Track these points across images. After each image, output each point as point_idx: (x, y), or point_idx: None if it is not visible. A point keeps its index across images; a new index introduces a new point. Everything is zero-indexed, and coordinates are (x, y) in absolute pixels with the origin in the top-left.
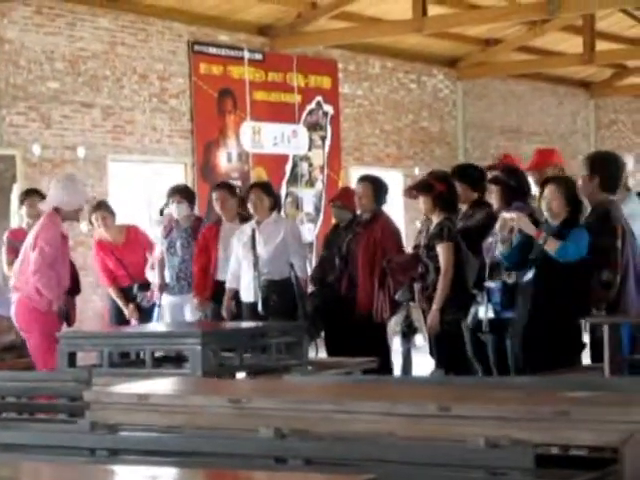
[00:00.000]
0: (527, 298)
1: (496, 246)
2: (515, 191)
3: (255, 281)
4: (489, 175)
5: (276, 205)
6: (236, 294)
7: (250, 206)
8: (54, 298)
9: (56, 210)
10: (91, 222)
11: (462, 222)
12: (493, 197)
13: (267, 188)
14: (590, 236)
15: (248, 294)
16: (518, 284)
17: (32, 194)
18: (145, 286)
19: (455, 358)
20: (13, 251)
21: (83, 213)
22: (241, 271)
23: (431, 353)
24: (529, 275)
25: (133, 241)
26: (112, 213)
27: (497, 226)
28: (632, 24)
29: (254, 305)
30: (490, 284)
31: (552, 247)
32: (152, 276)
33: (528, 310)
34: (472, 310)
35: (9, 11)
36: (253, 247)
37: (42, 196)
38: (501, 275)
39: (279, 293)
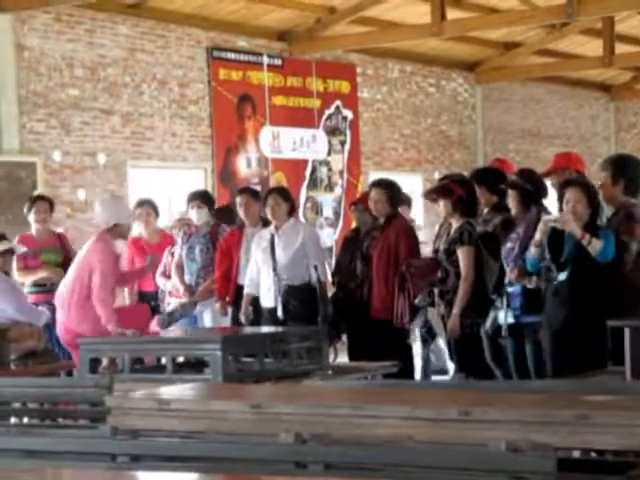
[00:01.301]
0: (559, 300)
1: (527, 250)
2: (532, 195)
3: (275, 286)
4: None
5: (294, 210)
6: (254, 299)
7: (268, 211)
8: (113, 322)
9: (108, 229)
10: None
11: (481, 226)
12: (511, 201)
13: (284, 193)
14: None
15: (268, 299)
16: (548, 286)
17: (39, 200)
18: (167, 293)
19: (475, 362)
20: (22, 258)
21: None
22: (260, 276)
23: (451, 357)
24: (562, 277)
25: (167, 245)
26: (156, 212)
27: (539, 230)
28: None
29: (274, 310)
30: (510, 289)
31: (595, 249)
32: (162, 283)
33: (566, 312)
34: (491, 315)
35: (29, 18)
36: (272, 252)
37: (49, 202)
38: (528, 279)
39: (299, 298)
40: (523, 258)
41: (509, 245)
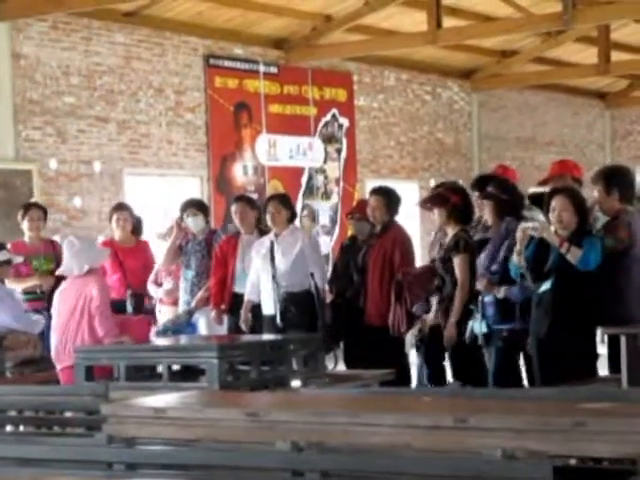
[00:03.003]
0: (543, 309)
1: (494, 261)
2: (508, 205)
3: (274, 293)
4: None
5: (294, 217)
6: (255, 306)
7: (268, 218)
8: (112, 337)
9: (82, 275)
10: (110, 221)
11: (480, 233)
12: (486, 212)
13: (285, 200)
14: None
15: (268, 307)
16: (534, 295)
17: (33, 208)
18: (138, 296)
19: (471, 370)
20: (13, 265)
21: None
22: (260, 284)
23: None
24: (546, 286)
25: (141, 250)
26: (133, 218)
27: (517, 237)
28: None
29: (274, 317)
30: (485, 298)
31: (575, 256)
32: (153, 290)
33: (549, 321)
34: (469, 324)
35: (25, 27)
36: (272, 259)
37: (42, 210)
38: (497, 289)
39: (298, 305)
40: (490, 270)
41: (482, 255)
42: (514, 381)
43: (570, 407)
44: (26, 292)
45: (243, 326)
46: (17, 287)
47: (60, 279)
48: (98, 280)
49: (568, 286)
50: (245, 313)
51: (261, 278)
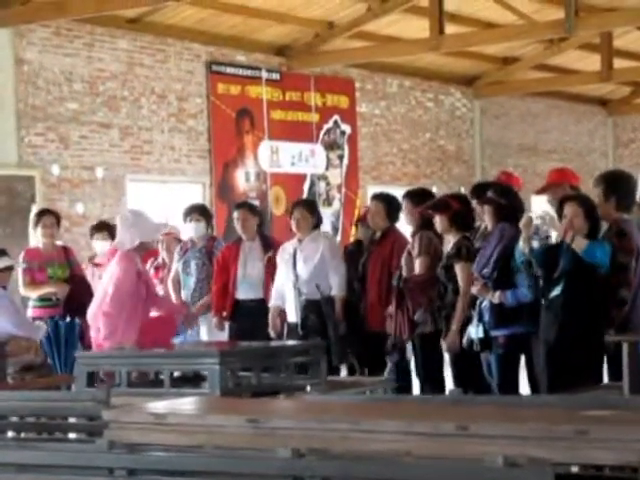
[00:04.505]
0: (553, 314)
1: (486, 267)
2: (507, 210)
3: (295, 301)
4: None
5: (320, 224)
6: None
7: (293, 224)
8: (111, 341)
9: (133, 248)
10: None
11: (480, 241)
12: (486, 217)
13: (311, 206)
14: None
15: (291, 314)
16: (544, 300)
17: (46, 214)
18: None
19: (473, 377)
20: (29, 272)
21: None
22: (285, 291)
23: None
24: (556, 291)
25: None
26: None
27: (522, 224)
28: None
29: (297, 325)
30: (484, 303)
31: (580, 245)
32: None
33: (559, 326)
34: (468, 329)
35: (28, 33)
36: (294, 266)
37: (55, 215)
38: (492, 294)
39: (318, 313)
40: (482, 274)
41: (476, 259)
42: (518, 388)
43: (572, 414)
44: (42, 299)
45: (272, 333)
46: (33, 294)
47: (75, 287)
48: (126, 274)
49: (578, 291)
50: (273, 320)
51: (285, 285)
